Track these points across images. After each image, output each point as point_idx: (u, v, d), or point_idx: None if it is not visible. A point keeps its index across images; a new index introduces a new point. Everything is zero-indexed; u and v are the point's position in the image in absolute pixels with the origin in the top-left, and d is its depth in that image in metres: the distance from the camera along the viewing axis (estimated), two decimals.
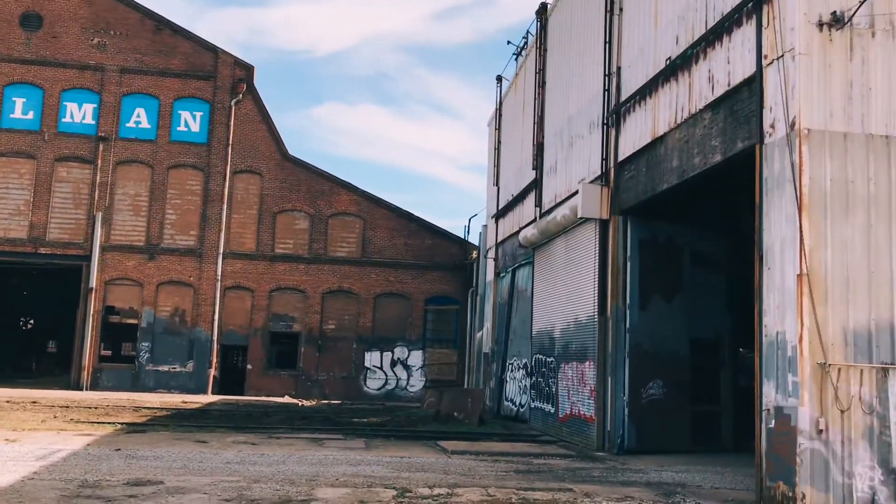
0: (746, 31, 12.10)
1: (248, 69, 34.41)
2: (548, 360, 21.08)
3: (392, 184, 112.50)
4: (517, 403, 24.87)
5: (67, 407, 24.12)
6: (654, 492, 12.04)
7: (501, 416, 25.90)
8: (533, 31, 25.01)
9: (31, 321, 54.49)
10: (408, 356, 34.52)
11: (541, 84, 23.27)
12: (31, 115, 32.73)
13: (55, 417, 20.80)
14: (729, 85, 12.55)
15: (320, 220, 34.43)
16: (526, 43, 26.76)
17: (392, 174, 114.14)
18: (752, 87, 11.79)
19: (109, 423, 19.78)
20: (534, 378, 22.41)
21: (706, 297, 18.02)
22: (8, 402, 25.07)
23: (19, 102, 32.69)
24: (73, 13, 33.41)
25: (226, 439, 17.17)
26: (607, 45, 17.85)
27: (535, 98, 23.75)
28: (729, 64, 12.60)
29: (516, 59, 28.02)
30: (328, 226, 34.51)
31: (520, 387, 24.66)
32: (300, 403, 30.22)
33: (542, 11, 23.74)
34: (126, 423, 19.77)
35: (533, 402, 22.46)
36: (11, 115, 32.59)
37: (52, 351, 53.89)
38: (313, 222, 34.39)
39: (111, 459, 13.41)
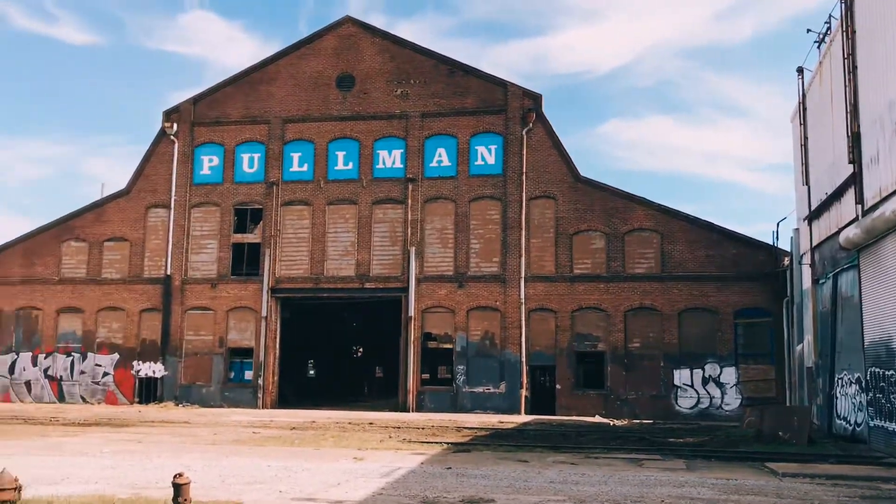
0: None
1: (536, 98, 35.52)
2: (887, 373, 18.92)
3: (684, 193, 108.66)
4: (851, 422, 22.57)
5: (398, 428, 26.39)
6: None
7: (833, 435, 23.65)
8: (836, 14, 22.92)
9: (361, 349, 60.58)
10: (720, 373, 32.92)
11: (851, 69, 21.18)
12: (350, 166, 36.68)
13: (390, 437, 22.85)
14: None
15: (616, 237, 34.28)
16: (829, 28, 24.58)
17: (683, 183, 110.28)
18: None
19: (437, 442, 21.29)
20: (871, 394, 20.22)
21: None
22: (350, 423, 28.06)
23: (340, 156, 36.82)
24: (379, 69, 37.02)
25: (546, 459, 17.67)
26: None
27: (845, 85, 21.66)
28: None
29: (818, 47, 25.82)
30: (625, 243, 34.24)
31: (853, 403, 22.38)
32: (611, 423, 30.12)
33: None
34: (451, 443, 21.15)
35: (871, 420, 20.25)
36: (336, 168, 36.79)
37: (380, 376, 59.25)
38: (609, 241, 34.34)
39: (444, 477, 14.43)
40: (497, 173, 35.39)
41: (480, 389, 34.34)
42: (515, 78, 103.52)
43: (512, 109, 35.45)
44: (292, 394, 39.83)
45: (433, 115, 36.22)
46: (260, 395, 35.78)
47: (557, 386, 33.96)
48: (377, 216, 36.34)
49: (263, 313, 36.13)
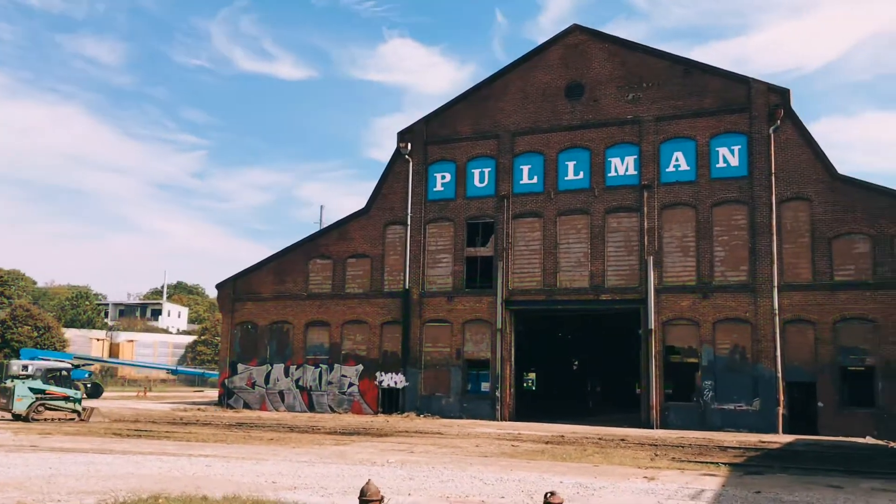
0: None
1: (783, 93, 33.05)
2: None
3: None
4: None
5: (656, 445, 25.24)
6: None
7: None
8: None
9: (576, 362, 59.55)
10: None
11: None
12: (581, 175, 36.04)
13: (657, 455, 21.77)
14: None
15: (883, 240, 31.09)
16: None
17: None
18: None
19: (712, 462, 20.02)
20: None
21: None
22: (600, 438, 27.25)
23: (571, 165, 36.29)
24: (609, 75, 36.14)
25: (859, 485, 15.99)
26: None
27: None
28: None
29: None
30: (894, 246, 30.97)
31: None
32: (889, 444, 27.30)
33: None
34: (729, 464, 19.79)
35: None
36: (566, 178, 36.30)
37: (598, 390, 57.84)
38: (875, 244, 31.20)
39: (760, 503, 13.32)
40: (741, 175, 33.27)
41: (731, 406, 32.29)
42: None
43: (757, 107, 33.23)
44: (519, 406, 39.57)
45: (668, 118, 34.78)
46: (498, 408, 35.86)
47: (820, 404, 31.19)
48: (611, 226, 35.40)
49: (498, 325, 36.24)
